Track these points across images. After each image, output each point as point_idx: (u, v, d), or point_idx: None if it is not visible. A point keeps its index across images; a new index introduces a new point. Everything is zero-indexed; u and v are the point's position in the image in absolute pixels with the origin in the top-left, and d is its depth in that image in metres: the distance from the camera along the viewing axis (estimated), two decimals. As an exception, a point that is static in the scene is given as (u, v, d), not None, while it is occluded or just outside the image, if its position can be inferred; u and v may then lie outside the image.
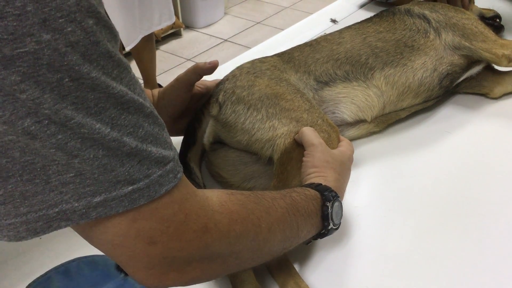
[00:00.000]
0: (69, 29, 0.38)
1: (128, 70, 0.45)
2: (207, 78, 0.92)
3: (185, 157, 0.87)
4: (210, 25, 4.03)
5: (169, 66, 3.48)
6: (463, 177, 0.91)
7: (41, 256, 0.76)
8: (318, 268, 0.75)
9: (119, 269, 0.71)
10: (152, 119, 0.46)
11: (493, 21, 1.27)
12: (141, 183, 0.44)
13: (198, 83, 0.92)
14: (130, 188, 0.43)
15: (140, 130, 0.44)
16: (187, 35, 3.92)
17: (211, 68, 0.88)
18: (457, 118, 1.05)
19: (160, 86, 2.91)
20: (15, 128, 0.38)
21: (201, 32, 3.95)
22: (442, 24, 1.03)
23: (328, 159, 0.75)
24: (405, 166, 0.93)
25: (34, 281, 0.72)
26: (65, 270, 0.73)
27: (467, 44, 1.01)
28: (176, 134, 0.93)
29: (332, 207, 0.68)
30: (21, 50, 0.36)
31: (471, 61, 1.04)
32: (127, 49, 2.41)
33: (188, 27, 3.98)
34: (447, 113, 1.06)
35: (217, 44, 3.78)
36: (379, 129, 0.99)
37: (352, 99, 0.94)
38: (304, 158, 0.77)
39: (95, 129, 0.41)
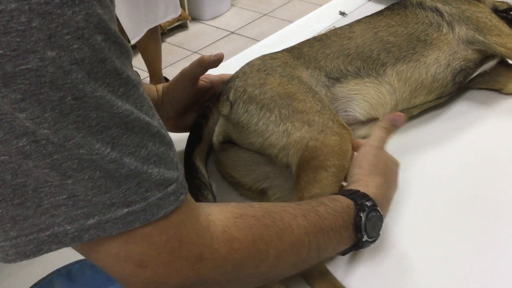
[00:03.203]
0: (76, 46, 0.37)
1: (136, 87, 0.43)
2: (211, 72, 0.90)
3: (190, 155, 0.85)
4: (216, 17, 4.01)
5: (176, 59, 3.47)
6: (476, 175, 0.88)
7: (42, 258, 0.74)
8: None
9: (122, 272, 0.70)
10: (158, 138, 0.44)
11: (507, 14, 1.24)
12: (137, 206, 0.43)
13: (202, 77, 0.90)
14: (125, 210, 0.42)
15: (143, 150, 0.43)
16: (193, 27, 3.90)
17: (217, 60, 0.86)
18: (470, 114, 1.02)
19: (166, 79, 2.89)
20: (9, 148, 0.37)
21: (207, 24, 3.92)
22: (456, 17, 1.01)
23: (378, 164, 0.72)
24: (417, 165, 0.91)
25: (35, 284, 0.71)
26: (67, 272, 0.72)
27: (481, 38, 0.99)
28: (181, 130, 0.91)
29: (366, 217, 0.63)
30: (23, 67, 0.35)
31: (485, 56, 1.01)
32: (132, 42, 2.40)
33: (195, 19, 3.96)
34: (460, 110, 1.04)
35: (224, 36, 3.76)
36: (390, 127, 0.97)
37: (364, 97, 0.92)
38: (355, 157, 0.75)
39: (94, 149, 0.39)
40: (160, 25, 2.66)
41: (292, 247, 0.56)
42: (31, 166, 0.38)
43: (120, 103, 0.40)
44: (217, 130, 0.87)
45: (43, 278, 0.71)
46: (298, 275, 0.71)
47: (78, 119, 0.38)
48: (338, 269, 0.73)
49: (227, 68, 0.90)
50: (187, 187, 0.48)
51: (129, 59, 0.43)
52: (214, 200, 0.82)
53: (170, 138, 0.47)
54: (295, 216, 0.57)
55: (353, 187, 0.68)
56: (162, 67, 2.86)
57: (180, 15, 3.06)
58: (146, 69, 2.80)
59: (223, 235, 0.50)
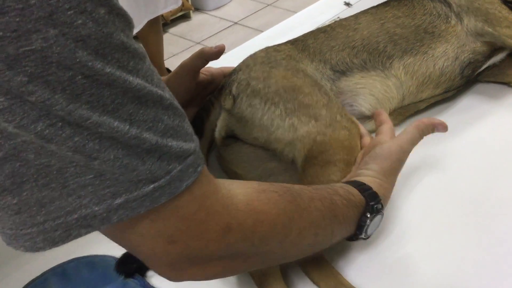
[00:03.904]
0: (80, 21, 0.35)
1: (143, 60, 0.42)
2: (212, 64, 0.88)
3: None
4: (220, 7, 3.99)
5: (178, 50, 3.45)
6: (485, 170, 0.86)
7: (37, 256, 0.73)
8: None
9: (119, 271, 0.69)
10: (171, 111, 0.43)
11: (517, 5, 1.21)
12: (162, 180, 0.42)
13: (202, 70, 0.88)
14: (151, 186, 0.41)
15: (160, 124, 0.42)
16: (196, 17, 3.88)
17: (218, 52, 0.84)
18: (478, 108, 1.00)
19: (168, 70, 2.88)
20: (28, 133, 0.36)
21: (210, 15, 3.90)
22: (464, 8, 0.98)
23: (397, 168, 0.72)
24: (423, 161, 0.89)
25: (29, 283, 0.71)
26: (63, 271, 0.71)
27: (490, 30, 0.96)
28: (181, 125, 0.89)
29: (372, 219, 0.64)
30: (26, 48, 0.34)
31: (494, 48, 0.99)
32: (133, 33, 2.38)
33: (198, 9, 3.94)
34: (467, 104, 1.01)
35: (227, 27, 3.74)
36: (397, 122, 0.95)
37: (370, 91, 0.90)
38: (380, 149, 0.72)
39: (113, 128, 0.38)
40: (162, 16, 2.64)
41: (311, 227, 0.57)
42: (54, 148, 0.37)
43: (131, 78, 0.39)
44: (220, 125, 0.85)
45: (37, 276, 0.71)
46: (303, 273, 0.70)
47: (91, 99, 0.37)
48: (344, 266, 0.72)
49: (229, 60, 0.88)
50: (204, 158, 0.48)
51: (132, 31, 0.42)
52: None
53: (182, 109, 0.46)
54: (313, 199, 0.58)
55: (367, 181, 0.68)
56: (165, 58, 2.85)
57: (183, 5, 3.04)
58: (148, 60, 2.78)
59: (247, 207, 0.50)
